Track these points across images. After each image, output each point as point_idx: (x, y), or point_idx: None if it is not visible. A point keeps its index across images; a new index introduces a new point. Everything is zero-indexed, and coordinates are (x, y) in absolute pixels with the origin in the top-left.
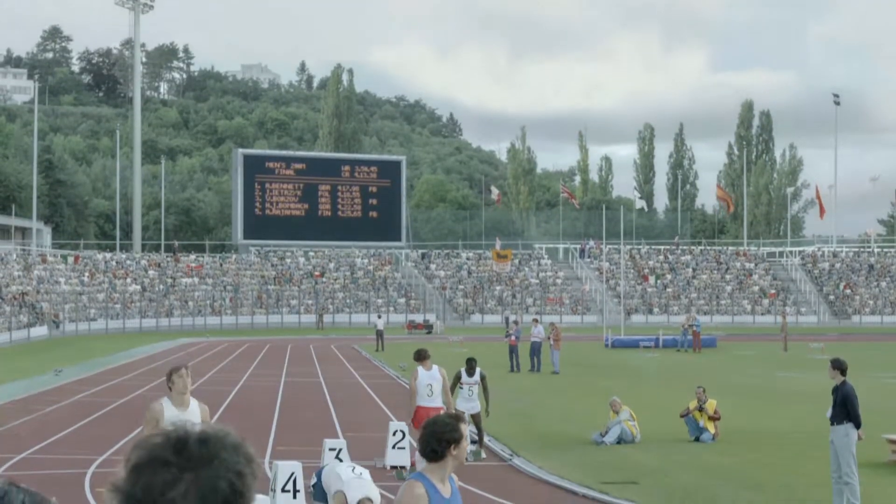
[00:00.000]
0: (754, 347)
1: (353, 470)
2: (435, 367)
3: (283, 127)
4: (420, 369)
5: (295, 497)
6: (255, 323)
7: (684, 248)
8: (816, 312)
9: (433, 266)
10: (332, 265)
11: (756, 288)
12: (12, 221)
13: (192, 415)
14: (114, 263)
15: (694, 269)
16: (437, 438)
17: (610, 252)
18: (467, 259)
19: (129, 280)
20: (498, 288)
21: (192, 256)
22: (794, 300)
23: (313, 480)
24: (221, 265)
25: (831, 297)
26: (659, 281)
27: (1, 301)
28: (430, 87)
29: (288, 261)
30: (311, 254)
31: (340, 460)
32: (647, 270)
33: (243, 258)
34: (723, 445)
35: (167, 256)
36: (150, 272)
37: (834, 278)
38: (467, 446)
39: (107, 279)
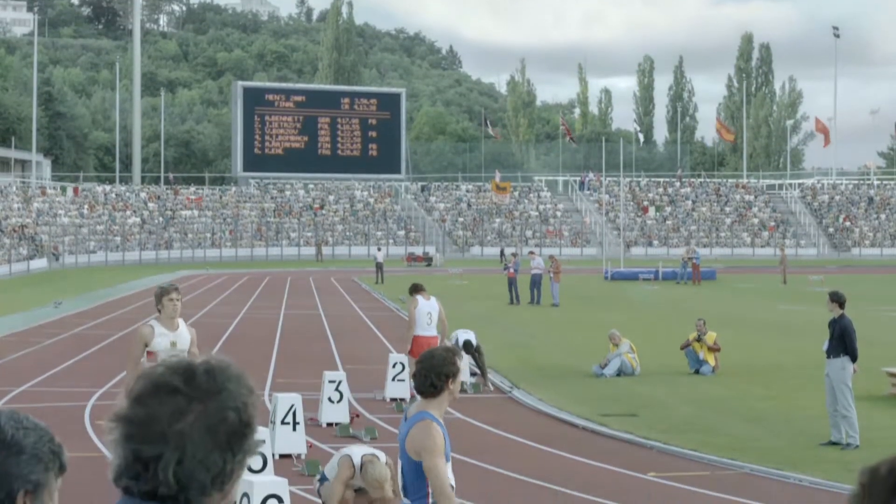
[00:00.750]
0: (754, 280)
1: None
2: (433, 297)
3: (283, 59)
4: (420, 298)
5: (294, 429)
6: (254, 255)
7: (684, 180)
8: (816, 245)
9: (433, 198)
10: (331, 198)
11: (755, 220)
12: (12, 154)
13: (180, 337)
14: (113, 196)
15: (693, 202)
16: (436, 373)
17: (609, 184)
18: (467, 191)
19: (128, 212)
20: (497, 220)
21: (192, 189)
22: (793, 233)
23: (318, 476)
24: (221, 197)
25: (831, 230)
26: (658, 213)
27: (0, 234)
28: (430, 20)
29: (287, 193)
30: (311, 186)
31: (340, 394)
32: (646, 203)
33: (243, 191)
34: (722, 378)
35: (166, 189)
36: (150, 205)
37: (833, 211)
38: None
39: (106, 211)
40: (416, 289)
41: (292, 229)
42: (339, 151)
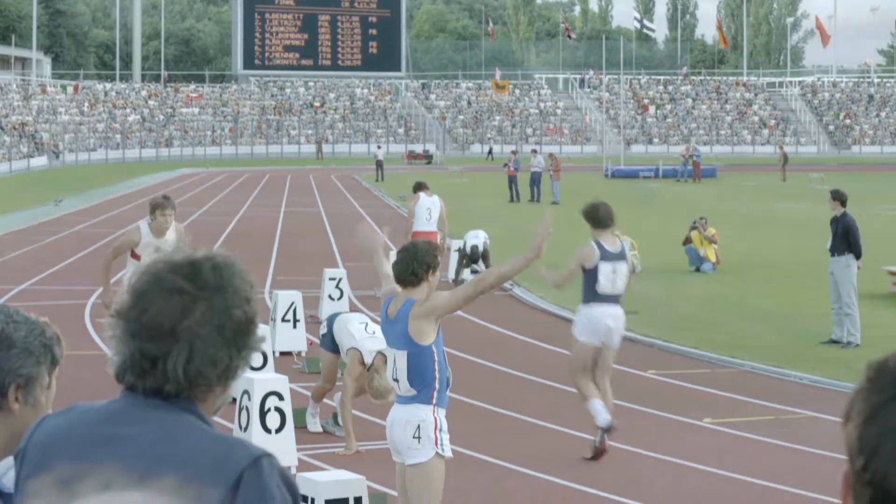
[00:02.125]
0: (754, 178)
1: (365, 328)
2: (435, 195)
3: None
4: (422, 194)
5: (295, 326)
6: (254, 153)
7: (685, 77)
8: (816, 143)
9: (433, 96)
10: (331, 95)
11: (756, 118)
12: (12, 52)
13: (166, 244)
14: (113, 94)
15: (693, 100)
16: (417, 261)
17: (609, 82)
18: (467, 89)
19: (128, 110)
20: (497, 118)
21: (192, 86)
22: (793, 130)
23: (323, 330)
24: (221, 95)
25: (831, 128)
26: (658, 111)
27: (1, 131)
28: None
29: (287, 91)
30: (311, 84)
31: (340, 291)
32: (646, 101)
33: (243, 88)
34: (723, 275)
35: (167, 87)
36: (150, 102)
37: (834, 108)
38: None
39: (106, 109)
40: (419, 186)
41: (292, 127)
42: (340, 49)
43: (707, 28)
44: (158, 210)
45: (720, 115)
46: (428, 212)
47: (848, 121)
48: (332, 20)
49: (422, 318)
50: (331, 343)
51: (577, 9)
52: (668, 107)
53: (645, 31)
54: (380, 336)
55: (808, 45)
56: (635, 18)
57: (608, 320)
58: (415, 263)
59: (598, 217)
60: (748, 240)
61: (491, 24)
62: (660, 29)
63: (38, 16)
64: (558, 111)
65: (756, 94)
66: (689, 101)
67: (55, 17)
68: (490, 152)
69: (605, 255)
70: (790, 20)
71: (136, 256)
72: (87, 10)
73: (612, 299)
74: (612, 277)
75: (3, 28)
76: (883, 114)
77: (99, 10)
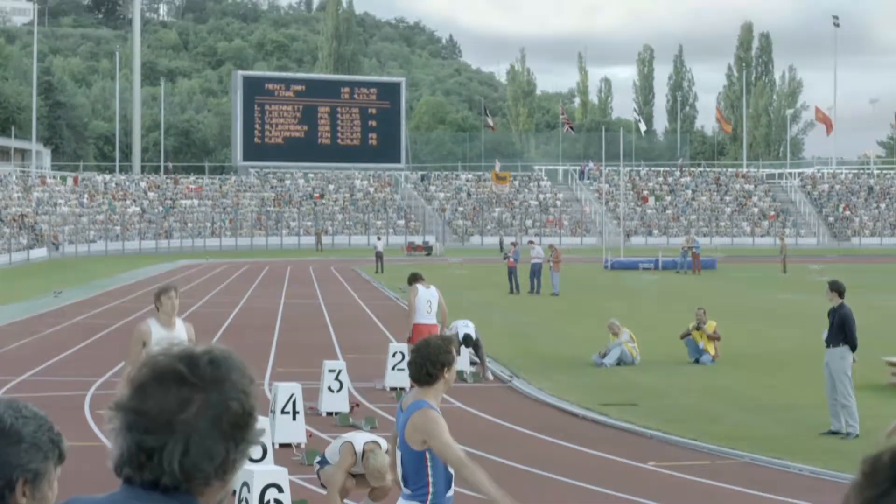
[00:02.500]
0: (754, 269)
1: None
2: (432, 286)
3: (283, 49)
4: (420, 287)
5: (294, 419)
6: (254, 244)
7: (684, 169)
8: (816, 234)
9: (432, 188)
10: (331, 187)
11: (755, 210)
12: (12, 143)
13: (178, 334)
14: (113, 185)
15: (693, 191)
16: (431, 361)
17: (609, 174)
18: (466, 181)
19: (128, 201)
20: (497, 210)
21: (192, 178)
22: (793, 222)
23: (318, 459)
24: (221, 186)
25: (830, 219)
26: (658, 203)
27: (0, 223)
28: (430, 9)
29: (287, 182)
30: (311, 175)
31: (340, 383)
32: (646, 192)
33: (243, 180)
34: (722, 367)
35: (166, 178)
36: (150, 194)
37: (833, 200)
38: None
39: (106, 201)
40: (414, 278)
41: (292, 218)
42: (339, 140)
43: (707, 120)
44: (164, 294)
45: (720, 206)
46: (428, 304)
47: (847, 212)
48: (331, 112)
49: (415, 431)
50: (327, 463)
51: (577, 100)
52: (668, 198)
53: (638, 124)
54: (371, 437)
55: (807, 136)
56: (634, 110)
57: None
58: (428, 364)
59: None
60: (748, 331)
61: (491, 119)
62: (660, 121)
63: (37, 107)
64: (558, 202)
65: (756, 186)
66: (689, 192)
67: (55, 109)
68: (502, 244)
69: None
70: (790, 112)
71: None
72: (87, 102)
73: None
74: None
75: (3, 119)
76: (882, 205)
77: (99, 102)
